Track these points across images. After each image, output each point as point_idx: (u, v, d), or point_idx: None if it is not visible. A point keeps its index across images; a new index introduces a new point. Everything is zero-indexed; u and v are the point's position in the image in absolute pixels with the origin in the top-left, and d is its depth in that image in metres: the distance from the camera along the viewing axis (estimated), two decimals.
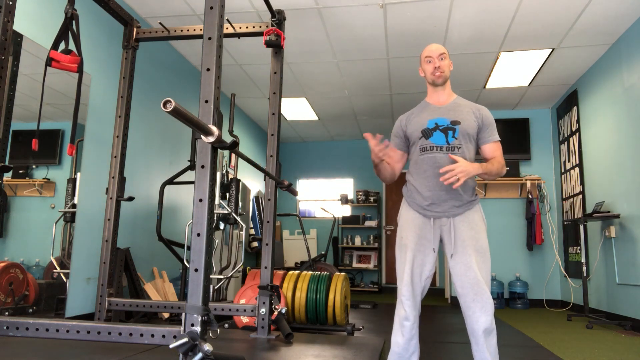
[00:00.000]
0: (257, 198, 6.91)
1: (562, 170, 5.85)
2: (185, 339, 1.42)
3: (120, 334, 1.60)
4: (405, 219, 2.13)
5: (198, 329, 1.45)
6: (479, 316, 1.91)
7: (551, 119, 6.33)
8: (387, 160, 2.17)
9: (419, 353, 2.06)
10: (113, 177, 2.75)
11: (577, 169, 5.34)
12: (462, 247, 1.99)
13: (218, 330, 1.61)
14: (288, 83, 5.54)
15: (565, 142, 5.73)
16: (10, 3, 1.83)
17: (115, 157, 2.76)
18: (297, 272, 3.49)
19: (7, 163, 1.99)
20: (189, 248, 4.00)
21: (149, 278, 4.15)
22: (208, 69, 1.58)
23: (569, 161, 5.62)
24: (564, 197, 5.81)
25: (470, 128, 2.07)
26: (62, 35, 2.11)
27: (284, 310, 2.62)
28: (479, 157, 2.14)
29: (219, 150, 1.67)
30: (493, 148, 2.11)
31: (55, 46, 2.08)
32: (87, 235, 3.36)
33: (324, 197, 8.40)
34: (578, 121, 5.31)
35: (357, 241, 7.73)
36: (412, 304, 2.01)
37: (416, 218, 2.09)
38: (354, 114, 6.78)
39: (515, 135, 6.34)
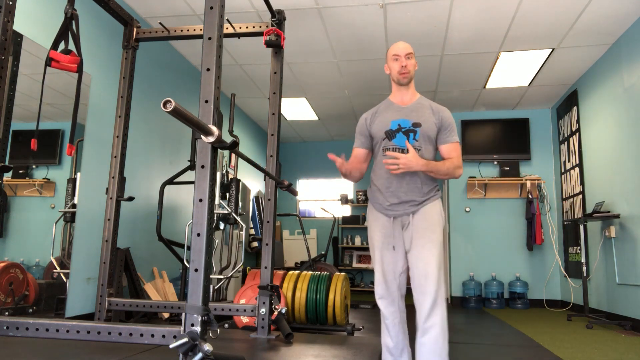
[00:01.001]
0: (257, 198, 6.91)
1: (562, 170, 5.85)
2: (185, 339, 1.42)
3: (120, 334, 1.60)
4: (370, 220, 2.22)
5: (198, 329, 1.45)
6: (422, 305, 1.96)
7: (551, 119, 6.33)
8: (354, 164, 2.26)
9: (408, 350, 2.11)
10: (113, 177, 2.75)
11: (577, 169, 5.34)
12: (416, 239, 2.05)
13: (218, 330, 1.61)
14: (288, 83, 5.54)
15: (565, 142, 5.73)
16: (10, 3, 1.83)
17: (115, 157, 2.76)
18: (297, 272, 3.49)
19: (7, 163, 1.99)
20: (189, 248, 4.00)
21: (149, 278, 4.15)
22: (208, 69, 1.58)
23: (569, 161, 5.62)
24: (564, 197, 5.81)
25: (431, 130, 2.11)
26: (62, 35, 2.11)
27: (284, 310, 2.62)
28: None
29: (219, 150, 1.67)
30: (450, 149, 2.14)
31: (55, 46, 2.08)
32: (87, 235, 3.36)
33: (324, 197, 8.40)
34: (578, 121, 5.31)
35: (357, 241, 7.73)
36: (388, 302, 2.09)
37: (380, 218, 2.16)
38: (354, 114, 6.78)
39: (515, 135, 6.34)
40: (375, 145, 2.20)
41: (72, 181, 3.22)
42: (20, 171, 2.93)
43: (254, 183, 7.07)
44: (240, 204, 4.11)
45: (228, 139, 1.87)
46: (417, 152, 2.07)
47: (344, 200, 7.92)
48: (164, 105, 1.18)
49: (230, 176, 5.58)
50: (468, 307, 5.85)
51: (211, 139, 1.50)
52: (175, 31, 2.91)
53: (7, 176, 2.82)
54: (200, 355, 1.41)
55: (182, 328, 1.49)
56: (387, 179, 2.12)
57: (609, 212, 4.42)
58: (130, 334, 1.59)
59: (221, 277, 3.57)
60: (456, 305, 6.04)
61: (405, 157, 1.97)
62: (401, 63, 2.13)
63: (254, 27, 2.84)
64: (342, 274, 3.45)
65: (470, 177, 6.30)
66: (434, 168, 2.04)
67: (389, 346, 2.09)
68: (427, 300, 1.95)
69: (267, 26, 2.81)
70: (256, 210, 6.83)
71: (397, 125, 2.12)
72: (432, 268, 1.98)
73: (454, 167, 2.09)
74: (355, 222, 7.76)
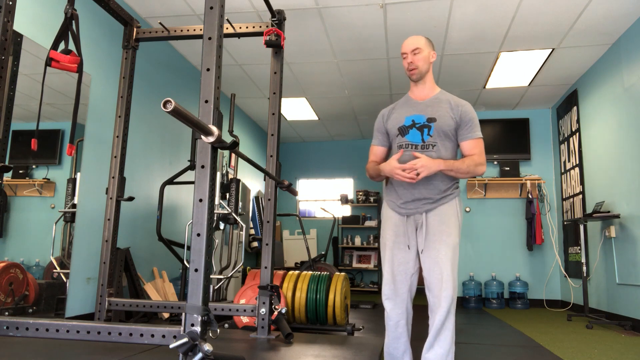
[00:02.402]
0: (257, 198, 6.91)
1: (562, 170, 5.85)
2: (185, 339, 1.42)
3: (120, 334, 1.60)
4: (384, 218, 2.18)
5: (198, 329, 1.45)
6: (436, 313, 1.95)
7: (551, 119, 6.33)
8: (374, 163, 2.20)
9: (410, 352, 2.09)
10: (113, 177, 2.75)
11: (577, 169, 5.34)
12: (432, 242, 2.01)
13: (218, 330, 1.61)
14: (288, 83, 5.54)
15: (565, 142, 5.73)
16: (10, 3, 1.82)
17: (115, 157, 2.76)
18: (297, 272, 3.49)
19: (7, 163, 1.99)
20: (189, 248, 4.00)
21: (149, 278, 4.15)
22: (208, 69, 1.58)
23: (569, 161, 5.62)
24: (564, 197, 5.81)
25: (446, 125, 2.05)
26: (62, 35, 2.11)
27: (284, 310, 2.62)
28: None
29: (219, 150, 1.67)
30: (471, 145, 2.06)
31: (55, 46, 2.08)
32: (87, 235, 3.36)
33: (324, 197, 8.40)
34: (578, 121, 5.31)
35: (357, 241, 7.73)
36: (394, 303, 2.04)
37: (393, 217, 2.12)
38: (354, 114, 6.78)
39: (515, 135, 6.34)
40: (391, 141, 2.16)
41: (72, 181, 3.22)
42: (20, 171, 2.94)
43: (254, 183, 7.07)
44: (240, 204, 4.11)
45: (228, 139, 1.88)
46: (432, 148, 2.03)
47: (344, 200, 7.92)
48: (164, 105, 1.18)
49: (230, 176, 5.58)
50: (468, 307, 5.85)
51: (211, 139, 1.50)
52: (175, 31, 2.91)
53: (7, 176, 2.82)
54: (200, 355, 1.41)
55: (182, 328, 1.49)
56: None
57: (609, 212, 4.42)
58: (130, 334, 1.59)
59: (221, 277, 3.57)
60: (457, 305, 6.04)
61: (420, 160, 1.92)
62: (408, 60, 2.10)
63: (254, 27, 2.84)
64: (342, 274, 3.45)
65: (470, 177, 6.30)
66: (454, 167, 1.99)
67: (390, 348, 2.06)
68: (441, 311, 1.92)
69: (267, 26, 2.81)
70: (256, 210, 6.83)
71: (410, 121, 2.08)
72: (448, 273, 1.94)
73: (474, 164, 2.02)
74: (355, 222, 7.76)
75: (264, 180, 2.85)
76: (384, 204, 2.21)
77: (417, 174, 1.94)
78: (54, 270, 3.08)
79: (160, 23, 2.83)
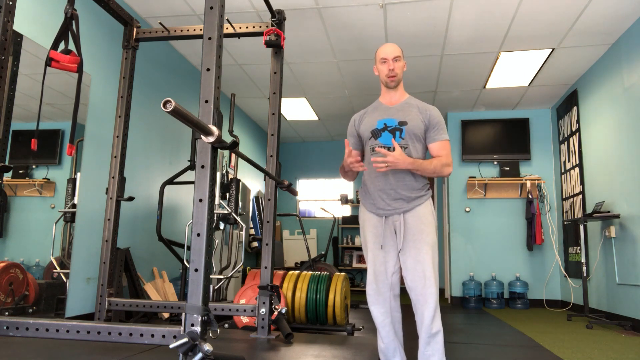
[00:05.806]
0: (257, 198, 6.91)
1: (562, 170, 5.85)
2: (185, 339, 1.42)
3: (120, 334, 1.60)
4: (362, 220, 2.22)
5: (198, 329, 1.45)
6: (424, 310, 1.98)
7: (551, 119, 6.33)
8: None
9: (400, 350, 2.13)
10: (113, 177, 2.75)
11: (577, 169, 5.34)
12: (412, 241, 2.05)
13: (218, 330, 1.62)
14: (288, 83, 5.54)
15: (565, 142, 5.73)
16: (10, 3, 1.83)
17: (115, 157, 2.76)
18: (297, 272, 3.49)
19: (7, 163, 1.99)
20: (189, 248, 4.00)
21: (149, 278, 4.15)
22: (208, 69, 1.58)
23: (569, 161, 5.62)
24: (564, 197, 5.81)
25: (417, 128, 2.12)
26: (62, 35, 2.11)
27: (284, 310, 2.62)
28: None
29: (219, 150, 1.67)
30: (439, 147, 2.14)
31: (55, 46, 2.08)
32: (87, 235, 3.36)
33: (324, 197, 8.40)
34: (578, 121, 5.31)
35: (357, 241, 7.73)
36: (378, 303, 2.09)
37: (372, 218, 2.16)
38: (353, 113, 6.76)
39: (515, 135, 6.34)
40: (364, 145, 2.22)
41: (72, 181, 3.22)
42: (20, 171, 2.93)
43: (254, 183, 7.07)
44: (240, 204, 4.11)
45: (228, 139, 1.88)
46: (404, 149, 2.08)
47: (344, 200, 7.91)
48: (164, 105, 1.18)
49: (230, 176, 5.58)
50: (468, 307, 5.85)
51: (211, 139, 1.50)
52: (175, 31, 2.91)
53: (7, 176, 2.82)
54: (200, 355, 1.41)
55: (182, 328, 1.49)
56: (376, 177, 2.13)
57: (609, 212, 4.42)
58: (130, 334, 1.59)
59: (221, 277, 3.57)
60: (456, 305, 6.04)
61: (392, 155, 1.96)
62: (389, 66, 2.16)
63: (254, 27, 2.84)
64: (342, 274, 3.45)
65: (470, 177, 6.30)
66: (420, 167, 2.04)
67: (381, 347, 2.11)
68: (429, 308, 1.96)
69: (267, 26, 2.81)
70: (256, 210, 6.83)
71: (383, 124, 2.15)
72: (430, 271, 1.99)
73: (441, 165, 2.09)
74: (355, 222, 7.76)
75: (264, 180, 2.85)
76: (361, 206, 2.25)
77: (387, 165, 1.98)
78: (54, 270, 3.08)
79: (160, 23, 2.84)
